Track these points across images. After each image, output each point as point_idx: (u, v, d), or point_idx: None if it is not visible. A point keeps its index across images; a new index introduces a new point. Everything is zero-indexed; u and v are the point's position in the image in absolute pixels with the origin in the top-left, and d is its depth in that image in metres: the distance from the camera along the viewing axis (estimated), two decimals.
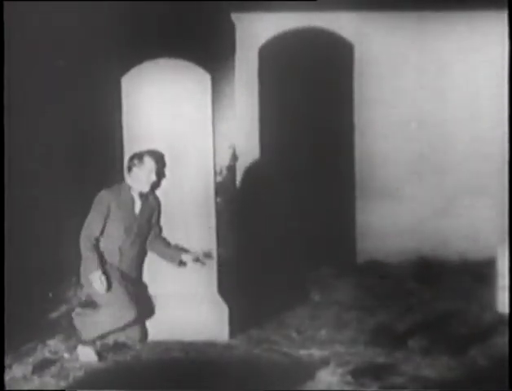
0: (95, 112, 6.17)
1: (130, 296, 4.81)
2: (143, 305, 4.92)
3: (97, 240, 4.87)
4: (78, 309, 4.99)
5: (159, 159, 4.95)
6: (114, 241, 4.90)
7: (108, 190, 4.92)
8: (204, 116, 5.02)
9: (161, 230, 5.06)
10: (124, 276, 4.90)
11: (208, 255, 5.02)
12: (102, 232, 4.87)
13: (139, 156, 4.91)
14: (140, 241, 4.99)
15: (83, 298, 5.36)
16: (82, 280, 4.92)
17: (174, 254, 4.99)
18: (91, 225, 4.86)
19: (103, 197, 4.89)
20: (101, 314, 4.80)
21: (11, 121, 4.55)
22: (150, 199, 5.00)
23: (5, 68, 4.52)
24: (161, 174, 4.98)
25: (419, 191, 6.83)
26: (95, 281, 4.78)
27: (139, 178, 4.91)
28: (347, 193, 6.81)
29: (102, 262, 4.83)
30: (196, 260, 4.98)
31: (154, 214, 5.02)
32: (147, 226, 5.00)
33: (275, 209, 6.68)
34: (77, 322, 4.87)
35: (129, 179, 4.93)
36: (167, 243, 5.03)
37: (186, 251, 5.01)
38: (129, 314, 4.79)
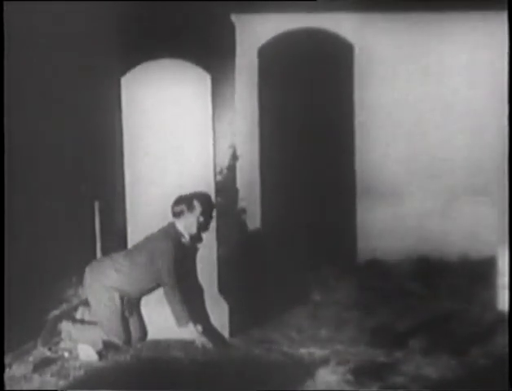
0: (95, 112, 6.18)
1: (123, 320, 4.78)
2: (135, 330, 4.87)
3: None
4: (66, 324, 4.88)
5: (205, 201, 4.85)
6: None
7: (170, 239, 4.77)
8: (204, 116, 5.02)
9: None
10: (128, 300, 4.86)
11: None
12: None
13: (187, 201, 4.81)
14: None
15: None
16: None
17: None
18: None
19: (170, 248, 4.76)
20: (91, 331, 4.77)
21: (10, 121, 4.55)
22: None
23: (5, 67, 4.52)
24: (207, 216, 4.86)
25: (419, 191, 6.83)
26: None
27: (190, 222, 4.81)
28: (348, 193, 6.80)
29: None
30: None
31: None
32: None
33: (275, 209, 6.69)
34: (65, 335, 4.82)
35: (178, 224, 4.82)
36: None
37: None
38: (117, 339, 4.76)
